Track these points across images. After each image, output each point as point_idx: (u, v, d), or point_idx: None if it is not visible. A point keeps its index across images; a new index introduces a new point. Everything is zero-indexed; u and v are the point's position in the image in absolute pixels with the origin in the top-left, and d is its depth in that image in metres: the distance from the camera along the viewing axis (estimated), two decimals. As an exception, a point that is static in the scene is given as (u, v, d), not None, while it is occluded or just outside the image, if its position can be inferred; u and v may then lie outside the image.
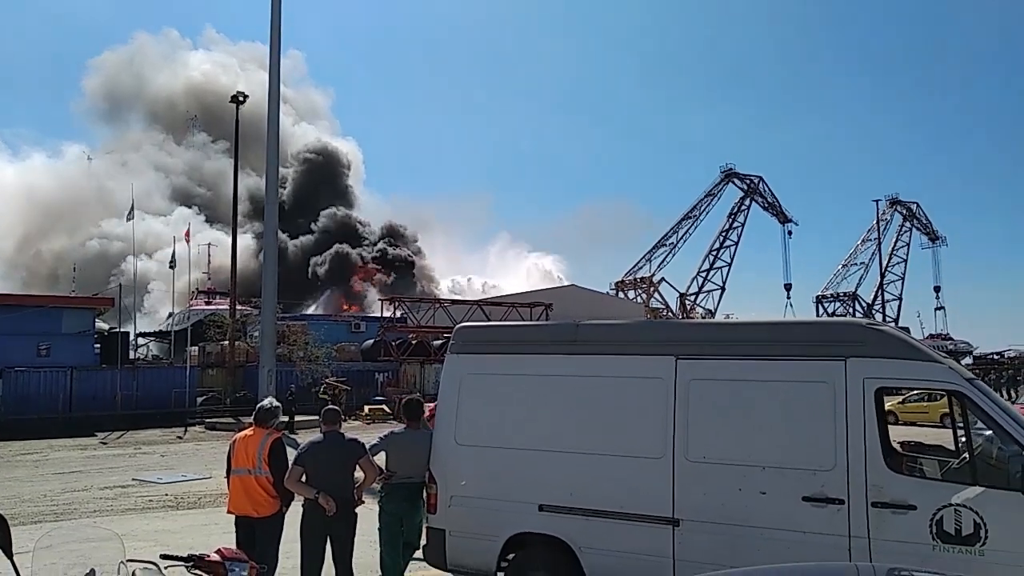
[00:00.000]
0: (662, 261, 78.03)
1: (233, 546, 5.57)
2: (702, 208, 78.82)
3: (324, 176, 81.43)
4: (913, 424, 25.79)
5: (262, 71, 60.03)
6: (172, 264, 38.42)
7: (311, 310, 63.77)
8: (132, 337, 41.52)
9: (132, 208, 39.11)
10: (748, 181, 77.71)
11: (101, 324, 38.07)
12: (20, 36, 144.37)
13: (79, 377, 30.98)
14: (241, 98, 34.78)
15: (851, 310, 77.83)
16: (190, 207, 69.17)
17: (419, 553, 7.14)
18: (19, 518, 11.57)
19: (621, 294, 74.83)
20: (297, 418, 26.93)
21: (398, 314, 41.17)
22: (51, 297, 39.58)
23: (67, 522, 11.64)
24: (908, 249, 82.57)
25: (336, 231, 76.04)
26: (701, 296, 76.30)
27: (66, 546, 3.82)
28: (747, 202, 77.69)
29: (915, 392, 26.35)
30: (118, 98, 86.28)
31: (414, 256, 79.13)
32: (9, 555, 3.46)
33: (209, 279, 58.82)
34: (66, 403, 30.27)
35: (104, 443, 24.79)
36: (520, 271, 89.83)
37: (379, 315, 42.56)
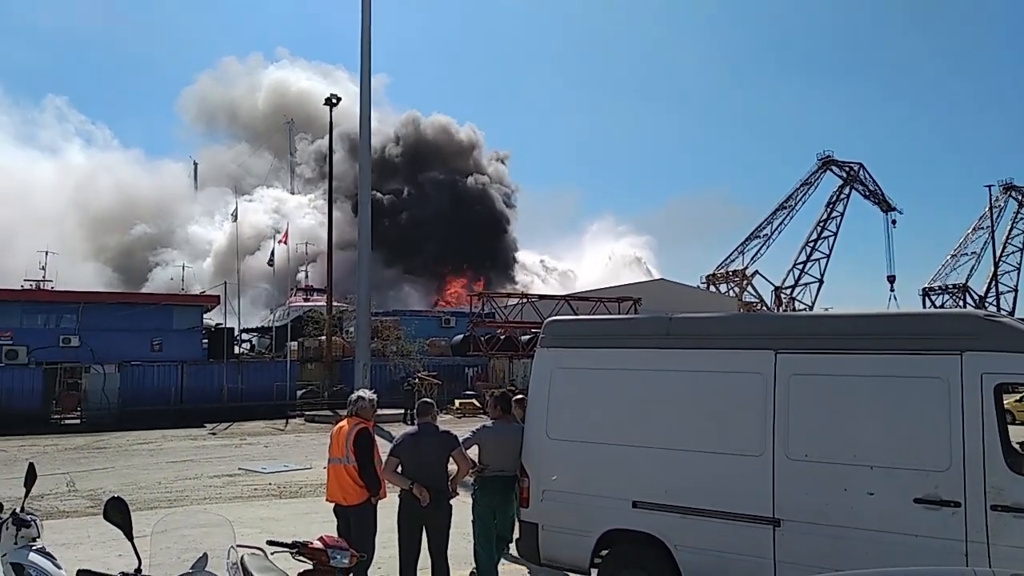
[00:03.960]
0: (756, 253, 75.66)
1: (334, 534, 5.75)
2: (798, 198, 75.90)
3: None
4: (1033, 423, 24.15)
5: (349, 84, 61.74)
6: (271, 263, 40.01)
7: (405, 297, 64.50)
8: (236, 332, 43.51)
9: (236, 210, 41.03)
10: (847, 168, 74.34)
11: (208, 320, 40.03)
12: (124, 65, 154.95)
13: (189, 371, 32.66)
14: (335, 100, 35.80)
15: (961, 303, 73.43)
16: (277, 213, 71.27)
17: (512, 546, 7.18)
18: (137, 504, 12.30)
19: (712, 288, 73.10)
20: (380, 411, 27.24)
21: (486, 309, 41.59)
22: (164, 295, 41.91)
23: (180, 508, 12.30)
24: (1024, 237, 77.24)
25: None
26: (797, 289, 73.57)
27: (180, 531, 4.01)
28: (846, 190, 74.29)
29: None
30: (213, 116, 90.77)
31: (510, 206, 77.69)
32: (130, 538, 3.66)
33: (307, 276, 60.96)
34: (177, 396, 31.97)
35: (213, 434, 26.08)
36: (603, 256, 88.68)
37: (468, 310, 43.08)
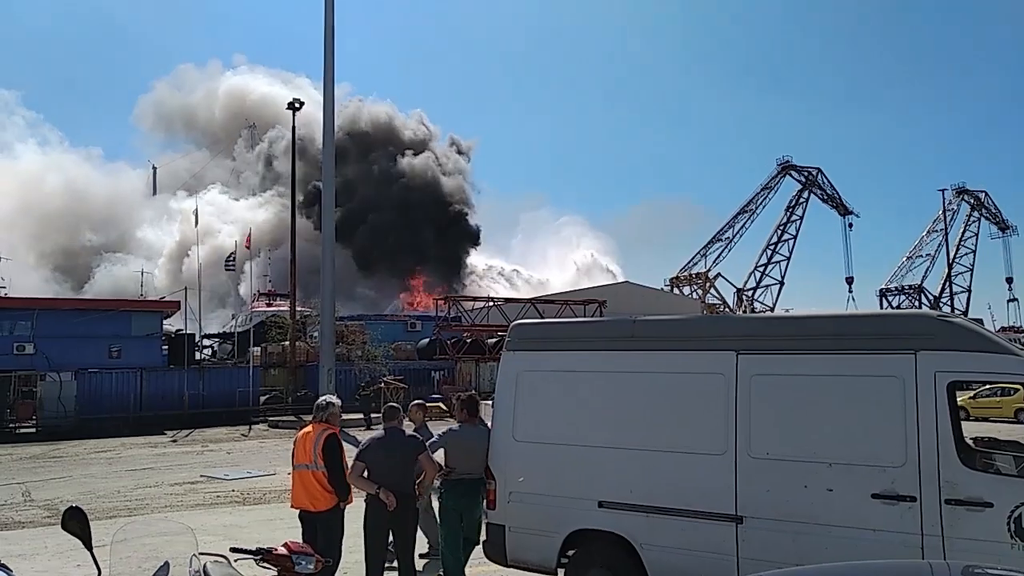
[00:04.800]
0: (718, 256, 76.66)
1: (299, 540, 5.69)
2: (758, 202, 77.14)
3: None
4: (986, 420, 24.84)
5: (311, 90, 60.74)
6: (230, 266, 39.46)
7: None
8: (197, 338, 42.79)
9: (196, 214, 40.40)
10: (806, 173, 75.77)
11: (168, 326, 39.29)
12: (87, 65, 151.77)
13: (148, 378, 32.05)
14: (298, 104, 35.46)
15: (917, 303, 75.21)
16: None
17: (479, 549, 7.18)
18: (95, 513, 12.00)
19: (676, 290, 73.83)
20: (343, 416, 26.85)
21: (452, 313, 41.56)
22: (122, 301, 40.95)
23: (141, 517, 12.06)
24: (977, 240, 79.15)
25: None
26: (759, 291, 74.76)
27: (140, 540, 3.95)
28: (805, 195, 75.73)
29: (987, 387, 25.41)
30: (170, 123, 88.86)
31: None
32: (89, 547, 3.59)
33: (270, 281, 60.17)
34: (136, 403, 31.34)
35: (174, 441, 25.62)
36: (568, 260, 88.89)
37: (434, 314, 42.98)
